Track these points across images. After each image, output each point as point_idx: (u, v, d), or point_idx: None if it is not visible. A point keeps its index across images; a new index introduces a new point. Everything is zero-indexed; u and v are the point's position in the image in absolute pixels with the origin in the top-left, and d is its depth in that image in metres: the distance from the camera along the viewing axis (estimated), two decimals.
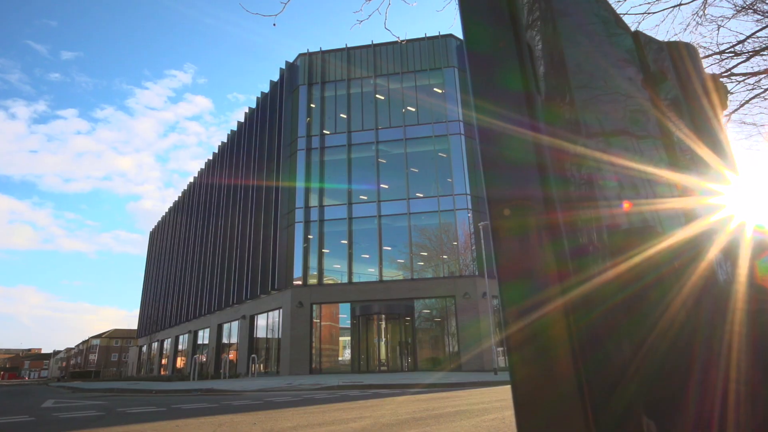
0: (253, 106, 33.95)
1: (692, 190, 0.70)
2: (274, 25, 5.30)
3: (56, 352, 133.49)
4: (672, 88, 0.76)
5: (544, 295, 0.50)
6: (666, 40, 0.83)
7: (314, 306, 24.08)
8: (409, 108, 26.82)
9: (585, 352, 0.46)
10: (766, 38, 6.65)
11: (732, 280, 0.65)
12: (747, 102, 6.50)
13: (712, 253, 0.65)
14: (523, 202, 0.55)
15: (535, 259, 0.53)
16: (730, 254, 0.66)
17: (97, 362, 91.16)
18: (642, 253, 0.62)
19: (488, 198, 0.58)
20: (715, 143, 0.75)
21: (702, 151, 0.74)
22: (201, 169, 44.10)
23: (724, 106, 0.78)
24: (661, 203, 0.67)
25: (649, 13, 6.15)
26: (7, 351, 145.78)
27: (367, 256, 24.85)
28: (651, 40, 0.77)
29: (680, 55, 0.79)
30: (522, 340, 0.51)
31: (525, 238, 0.54)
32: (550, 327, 0.49)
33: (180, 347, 40.93)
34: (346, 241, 24.99)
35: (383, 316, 23.99)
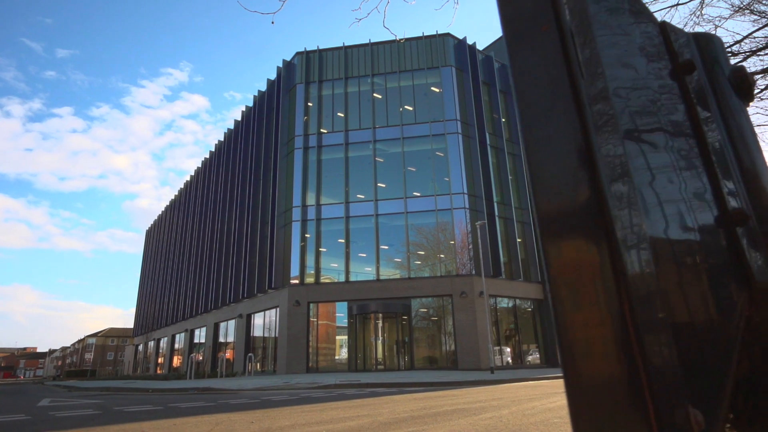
0: (251, 104, 33.89)
1: (726, 186, 0.70)
2: (273, 23, 5.29)
3: (52, 351, 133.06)
4: (700, 80, 0.75)
5: (595, 294, 0.51)
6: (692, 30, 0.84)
7: (311, 305, 24.06)
8: (406, 107, 26.81)
9: (642, 345, 0.47)
10: (762, 38, 6.69)
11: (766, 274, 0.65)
12: None
13: (747, 250, 0.66)
14: (574, 198, 0.55)
15: (586, 256, 0.53)
16: (762, 251, 0.67)
17: (93, 361, 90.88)
18: (683, 250, 0.62)
19: (534, 192, 0.58)
20: (744, 136, 0.74)
21: (732, 144, 0.73)
22: (198, 167, 44.00)
23: (750, 98, 0.77)
24: (698, 200, 0.67)
25: None
26: (2, 350, 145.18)
27: (364, 255, 24.84)
28: (677, 31, 0.76)
29: (707, 46, 0.78)
30: (575, 339, 0.51)
31: (575, 236, 0.54)
32: (603, 324, 0.49)
33: (176, 346, 40.85)
34: (343, 240, 24.98)
35: (380, 314, 24.00)
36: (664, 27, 0.77)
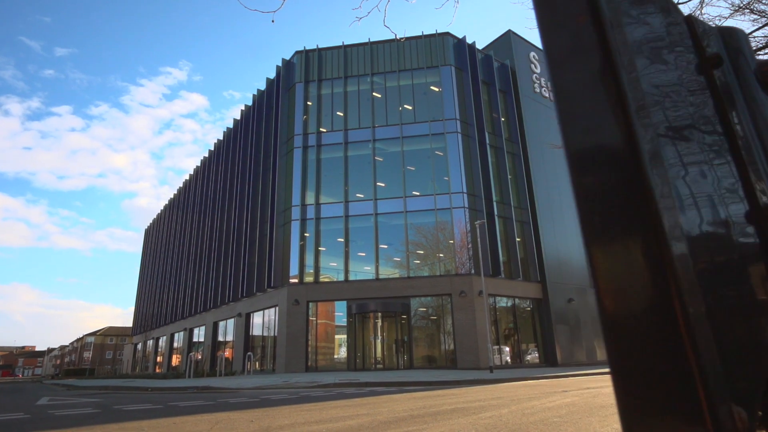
0: (250, 103, 33.86)
1: (757, 181, 0.69)
2: (273, 21, 5.28)
3: (50, 350, 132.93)
4: (727, 73, 0.75)
5: (643, 288, 0.51)
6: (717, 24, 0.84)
7: (310, 304, 24.06)
8: (405, 106, 26.80)
9: (694, 341, 0.47)
10: (762, 38, 6.69)
11: None
12: None
13: None
14: (618, 191, 0.54)
15: (633, 250, 0.53)
16: None
17: (92, 360, 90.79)
18: (717, 246, 0.62)
19: (576, 185, 0.57)
20: None
21: (760, 139, 0.73)
22: (197, 166, 43.97)
23: None
24: (730, 195, 0.67)
25: None
26: (1, 348, 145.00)
27: (364, 254, 24.84)
28: (703, 24, 0.76)
29: (732, 39, 0.77)
30: (622, 333, 0.51)
31: (620, 230, 0.54)
32: (653, 318, 0.49)
33: (175, 345, 40.83)
34: (342, 239, 24.98)
35: (379, 314, 24.00)
36: (690, 20, 0.76)
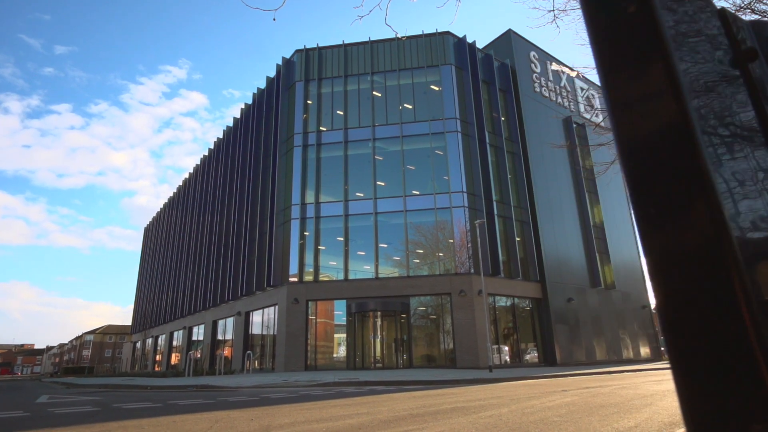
0: (250, 102, 33.83)
1: None
2: (274, 20, 5.27)
3: (49, 348, 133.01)
4: (762, 67, 0.74)
5: (703, 272, 0.51)
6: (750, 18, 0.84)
7: (310, 303, 24.06)
8: (406, 105, 26.79)
9: (758, 329, 0.47)
10: None
11: None
12: None
13: None
14: (675, 180, 0.54)
15: (692, 237, 0.52)
16: None
17: (91, 358, 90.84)
18: (758, 242, 0.62)
19: (630, 180, 0.56)
20: None
21: None
22: (196, 165, 43.95)
23: None
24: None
25: None
26: (0, 346, 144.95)
27: (363, 253, 24.84)
28: (736, 18, 0.75)
29: (763, 33, 0.77)
30: (680, 317, 0.51)
31: (677, 219, 0.54)
32: (714, 305, 0.49)
33: (174, 343, 40.82)
34: (342, 238, 24.97)
35: (379, 313, 24.01)
36: (724, 13, 0.75)
